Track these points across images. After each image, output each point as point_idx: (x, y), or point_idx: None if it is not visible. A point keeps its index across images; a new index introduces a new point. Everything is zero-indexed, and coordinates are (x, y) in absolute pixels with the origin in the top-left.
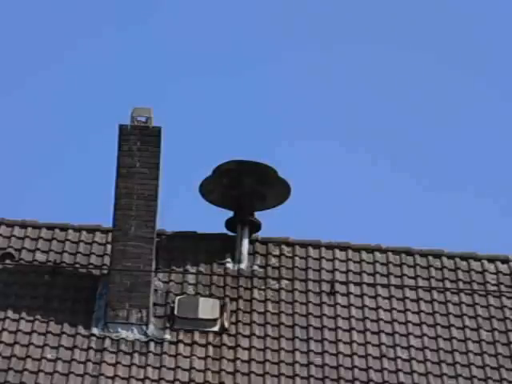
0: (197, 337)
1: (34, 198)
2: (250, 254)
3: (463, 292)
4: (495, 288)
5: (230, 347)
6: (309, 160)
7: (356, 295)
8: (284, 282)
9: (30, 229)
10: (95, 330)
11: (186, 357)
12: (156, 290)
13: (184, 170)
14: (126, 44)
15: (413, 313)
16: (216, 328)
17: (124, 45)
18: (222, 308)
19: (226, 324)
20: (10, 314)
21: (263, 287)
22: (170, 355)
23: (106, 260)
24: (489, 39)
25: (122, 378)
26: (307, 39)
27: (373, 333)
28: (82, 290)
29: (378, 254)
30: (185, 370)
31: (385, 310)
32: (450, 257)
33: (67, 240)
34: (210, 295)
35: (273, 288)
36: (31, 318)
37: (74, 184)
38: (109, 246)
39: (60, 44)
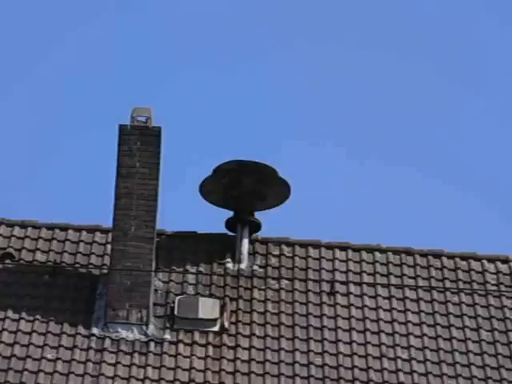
0: (197, 337)
1: (34, 198)
2: (250, 253)
3: (463, 292)
4: (495, 288)
5: (229, 347)
6: (309, 160)
7: (356, 295)
8: (284, 282)
9: (30, 229)
10: (95, 330)
11: (185, 357)
12: (156, 290)
13: (184, 170)
14: (126, 44)
15: (413, 313)
16: (216, 328)
17: (124, 44)
18: (222, 308)
19: (226, 324)
20: (10, 313)
21: (263, 287)
22: (170, 355)
23: (106, 260)
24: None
25: (122, 378)
26: (309, 38)
27: (373, 333)
28: (81, 290)
29: (377, 254)
30: (185, 369)
31: (385, 310)
32: (450, 257)
33: (67, 240)
34: (210, 295)
35: (273, 288)
36: (31, 318)
37: (74, 184)
38: (109, 246)
39: (60, 43)
